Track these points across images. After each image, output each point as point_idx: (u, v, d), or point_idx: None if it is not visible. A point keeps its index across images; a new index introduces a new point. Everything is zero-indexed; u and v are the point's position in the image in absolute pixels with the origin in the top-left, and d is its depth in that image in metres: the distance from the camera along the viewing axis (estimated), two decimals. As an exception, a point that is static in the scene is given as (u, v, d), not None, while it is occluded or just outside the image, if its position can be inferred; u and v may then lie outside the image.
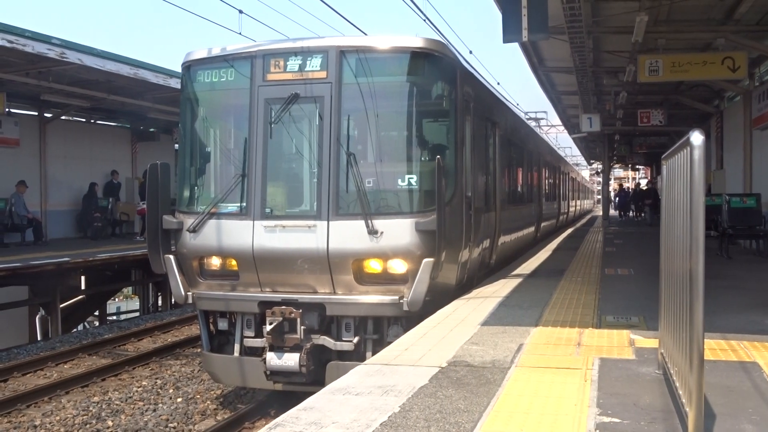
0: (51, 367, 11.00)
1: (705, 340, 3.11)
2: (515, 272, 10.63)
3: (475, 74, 10.59)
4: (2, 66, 13.98)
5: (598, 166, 50.18)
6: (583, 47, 13.11)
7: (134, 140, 22.42)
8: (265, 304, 7.51)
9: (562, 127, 36.01)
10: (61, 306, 14.52)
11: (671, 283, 3.82)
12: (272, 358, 7.32)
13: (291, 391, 7.61)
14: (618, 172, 65.71)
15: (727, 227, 13.30)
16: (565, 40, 12.47)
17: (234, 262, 7.74)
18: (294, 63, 7.66)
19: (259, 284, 7.65)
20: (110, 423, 8.31)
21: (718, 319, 6.46)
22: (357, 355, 7.30)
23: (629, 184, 56.78)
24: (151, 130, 22.39)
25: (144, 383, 9.98)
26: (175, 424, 8.26)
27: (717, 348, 5.32)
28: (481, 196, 9.41)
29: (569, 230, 24.81)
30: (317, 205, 7.50)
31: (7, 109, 16.23)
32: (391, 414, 3.83)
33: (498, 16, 9.83)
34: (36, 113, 18.72)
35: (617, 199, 42.23)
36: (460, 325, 6.40)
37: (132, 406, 8.95)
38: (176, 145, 20.15)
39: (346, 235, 7.31)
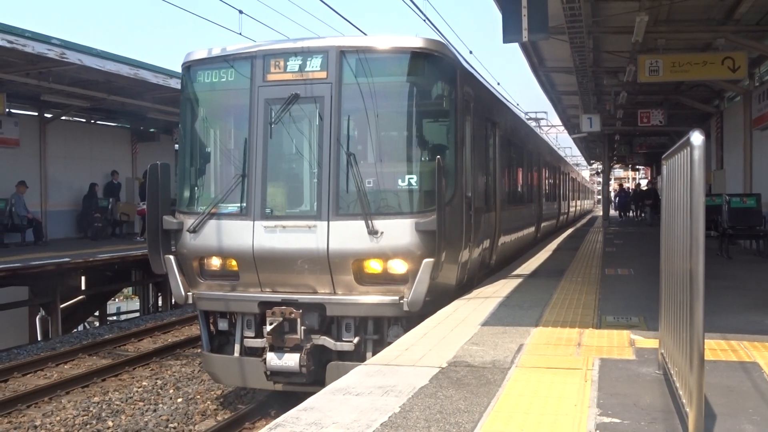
0: (51, 368, 11.00)
1: (705, 340, 3.11)
2: (515, 272, 10.63)
3: (475, 74, 10.59)
4: (2, 66, 13.98)
5: (598, 166, 50.14)
6: (583, 47, 13.11)
7: (134, 140, 22.41)
8: (266, 305, 7.51)
9: (562, 127, 36.01)
10: (62, 306, 14.52)
11: (671, 284, 3.82)
12: (272, 359, 7.32)
13: (291, 392, 7.61)
14: (618, 172, 65.64)
15: (727, 227, 13.30)
16: (565, 40, 12.47)
17: (234, 263, 7.74)
18: (294, 63, 7.66)
19: (259, 284, 7.65)
20: (110, 423, 8.31)
21: (718, 319, 6.46)
22: (357, 356, 7.30)
23: (629, 185, 56.76)
24: (151, 130, 22.39)
25: (144, 383, 9.98)
26: (176, 424, 8.26)
27: (717, 348, 5.32)
28: (481, 197, 9.41)
29: (569, 230, 24.80)
30: (317, 205, 7.50)
31: (7, 110, 16.22)
32: (391, 414, 3.83)
33: (498, 16, 9.84)
34: (36, 113, 18.72)
35: (617, 199, 42.19)
36: (460, 325, 6.40)
37: (132, 406, 8.95)
38: (176, 146, 20.15)
39: (347, 235, 7.31)
